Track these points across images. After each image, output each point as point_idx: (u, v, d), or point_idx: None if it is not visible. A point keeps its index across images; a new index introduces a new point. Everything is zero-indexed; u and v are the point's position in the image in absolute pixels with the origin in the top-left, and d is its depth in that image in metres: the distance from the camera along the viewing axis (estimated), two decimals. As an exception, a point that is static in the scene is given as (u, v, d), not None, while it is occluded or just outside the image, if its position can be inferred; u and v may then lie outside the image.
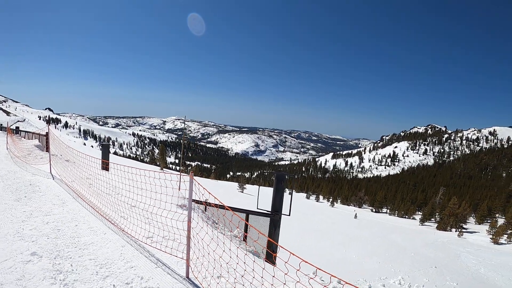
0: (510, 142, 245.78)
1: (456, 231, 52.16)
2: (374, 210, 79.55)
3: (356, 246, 29.52)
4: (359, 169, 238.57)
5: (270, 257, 6.31)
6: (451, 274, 23.07)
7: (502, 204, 77.04)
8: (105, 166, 10.12)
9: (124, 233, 5.82)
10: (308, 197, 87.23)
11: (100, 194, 7.37)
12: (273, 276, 3.85)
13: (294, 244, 25.72)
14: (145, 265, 4.73)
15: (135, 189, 6.04)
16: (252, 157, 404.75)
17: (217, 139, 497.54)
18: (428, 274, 21.68)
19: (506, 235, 46.74)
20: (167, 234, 5.62)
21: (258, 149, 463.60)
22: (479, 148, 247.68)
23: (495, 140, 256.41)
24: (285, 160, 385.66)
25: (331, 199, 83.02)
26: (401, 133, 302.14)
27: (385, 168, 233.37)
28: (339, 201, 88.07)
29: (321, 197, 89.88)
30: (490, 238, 45.99)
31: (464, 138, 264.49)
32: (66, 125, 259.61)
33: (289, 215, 7.40)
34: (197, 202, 7.73)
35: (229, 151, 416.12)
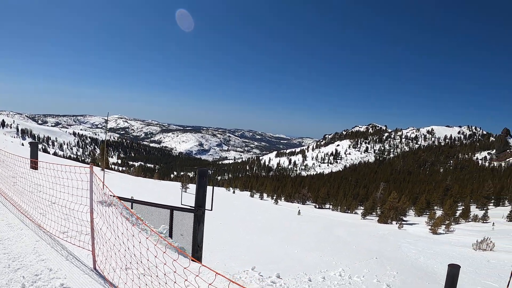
0: (446, 140, 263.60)
1: (396, 224, 54.30)
2: (317, 206, 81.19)
3: (298, 241, 29.44)
4: (303, 167, 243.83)
5: (196, 252, 7.06)
6: (391, 264, 23.41)
7: (440, 197, 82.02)
8: (34, 165, 10.28)
9: (41, 228, 6.11)
10: (252, 195, 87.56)
11: (23, 192, 7.65)
12: (185, 268, 3.59)
13: (236, 241, 25.19)
14: (55, 258, 4.99)
15: (57, 186, 6.26)
16: (196, 156, 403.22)
17: (160, 138, 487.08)
18: (369, 265, 21.78)
19: (444, 226, 49.44)
20: (83, 229, 5.81)
21: (202, 148, 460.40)
22: (418, 146, 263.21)
23: (433, 138, 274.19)
24: (229, 159, 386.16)
25: (275, 197, 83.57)
26: (343, 132, 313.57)
27: (327, 165, 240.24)
28: (283, 198, 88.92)
29: (265, 195, 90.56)
30: (429, 229, 48.26)
31: (403, 137, 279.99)
32: (3, 124, 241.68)
33: (211, 209, 7.66)
34: (122, 199, 7.89)
35: (172, 151, 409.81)
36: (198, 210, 7.98)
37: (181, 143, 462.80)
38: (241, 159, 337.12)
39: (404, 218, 61.44)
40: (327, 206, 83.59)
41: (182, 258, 5.46)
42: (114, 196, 5.96)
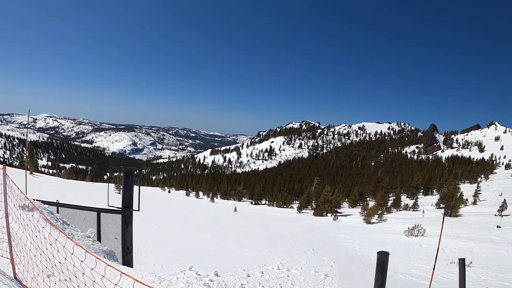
0: (377, 136, 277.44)
1: (331, 216, 55.70)
2: (253, 203, 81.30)
3: (236, 238, 29.09)
4: (238, 164, 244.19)
5: (126, 255, 6.82)
6: (328, 254, 23.69)
7: (372, 189, 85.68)
8: None
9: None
10: (188, 194, 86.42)
11: None
12: (103, 277, 3.31)
13: (173, 241, 24.33)
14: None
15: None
16: (129, 156, 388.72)
17: (92, 138, 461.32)
18: (306, 257, 21.83)
19: (377, 215, 51.45)
20: (3, 236, 5.17)
21: (135, 147, 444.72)
22: (350, 141, 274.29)
23: (364, 134, 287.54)
24: (164, 158, 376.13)
25: (211, 195, 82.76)
26: (278, 128, 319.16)
27: (262, 162, 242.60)
28: (219, 196, 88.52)
29: (201, 193, 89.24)
30: (363, 219, 49.99)
31: (336, 133, 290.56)
32: None
33: (138, 210, 7.38)
34: (46, 202, 7.64)
35: (105, 151, 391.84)
36: (126, 211, 7.72)
37: (114, 143, 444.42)
38: (176, 158, 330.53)
39: (339, 210, 63.24)
40: (263, 202, 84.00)
41: (110, 262, 4.62)
42: (36, 200, 5.50)
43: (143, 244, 18.26)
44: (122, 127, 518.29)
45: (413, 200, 67.45)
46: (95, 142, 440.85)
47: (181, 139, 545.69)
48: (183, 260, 16.97)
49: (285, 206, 75.68)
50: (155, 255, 18.14)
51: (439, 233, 28.07)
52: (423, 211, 56.08)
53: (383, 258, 5.80)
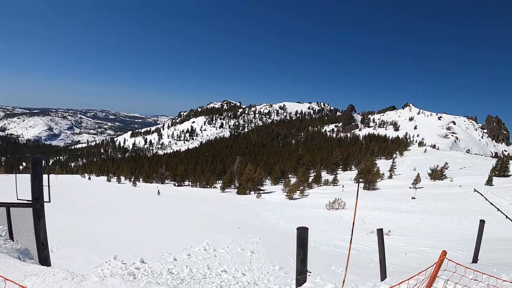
0: (297, 115, 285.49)
1: (255, 193, 56.38)
2: (176, 184, 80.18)
3: (160, 221, 28.28)
4: (159, 146, 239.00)
5: (42, 252, 6.14)
6: (253, 231, 23.84)
7: (293, 166, 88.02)
8: None
9: None
10: (109, 180, 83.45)
11: None
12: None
13: (97, 231, 23.00)
14: None
15: None
16: (46, 142, 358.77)
17: (5, 124, 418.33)
18: (232, 236, 21.76)
19: (299, 191, 53.00)
20: None
21: (52, 133, 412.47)
22: (271, 120, 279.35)
23: (285, 113, 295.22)
24: (82, 143, 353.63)
25: (133, 179, 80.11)
26: (199, 108, 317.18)
27: (184, 143, 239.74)
28: (141, 179, 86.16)
29: (122, 178, 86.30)
30: (285, 195, 51.23)
31: (257, 112, 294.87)
32: None
33: (49, 201, 6.35)
34: None
35: (19, 138, 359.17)
36: (36, 204, 6.67)
37: (28, 129, 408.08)
38: (95, 142, 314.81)
39: (262, 188, 64.21)
40: (186, 183, 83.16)
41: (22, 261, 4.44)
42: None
43: (64, 237, 17.00)
44: (37, 111, 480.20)
45: (333, 176, 70.57)
46: (8, 129, 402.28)
47: (100, 122, 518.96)
48: (108, 250, 16.11)
49: (208, 186, 75.47)
50: (78, 248, 17.01)
51: (358, 205, 29.68)
52: (343, 185, 58.85)
53: (302, 234, 5.99)
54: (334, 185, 63.25)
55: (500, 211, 33.06)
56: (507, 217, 30.62)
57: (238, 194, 59.70)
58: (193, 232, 23.11)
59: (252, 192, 59.32)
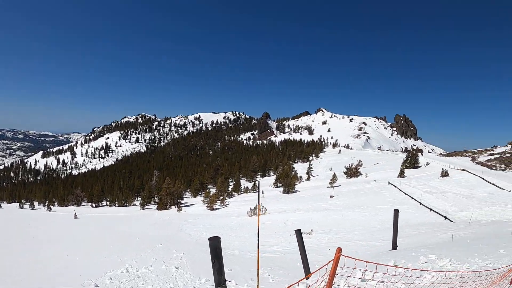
0: (213, 125, 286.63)
1: (175, 207, 54.97)
2: (94, 205, 75.77)
3: (79, 246, 26.35)
4: (73, 165, 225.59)
5: None
6: (177, 246, 23.15)
7: (212, 176, 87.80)
8: None
9: None
10: (21, 206, 75.97)
11: None
12: None
13: (12, 262, 20.86)
14: None
15: None
16: None
17: None
18: (155, 253, 20.88)
19: (219, 201, 52.67)
20: None
21: None
22: (187, 132, 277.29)
23: (200, 124, 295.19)
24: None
25: (47, 203, 74.44)
26: (113, 123, 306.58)
27: (99, 160, 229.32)
28: (56, 203, 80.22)
29: (36, 203, 79.84)
30: (206, 206, 50.59)
31: (172, 125, 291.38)
32: None
33: None
34: None
35: None
36: None
37: None
38: (3, 165, 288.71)
39: (182, 201, 62.83)
40: (104, 203, 79.11)
41: None
42: None
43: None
44: None
45: (253, 183, 71.24)
46: None
47: (8, 142, 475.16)
48: (23, 281, 14.70)
49: (127, 204, 72.47)
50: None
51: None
52: (263, 191, 59.52)
53: (215, 244, 5.98)
54: (254, 192, 63.82)
55: (414, 199, 35.63)
56: (421, 204, 33.00)
57: (159, 209, 57.91)
58: (114, 254, 21.88)
59: (173, 206, 57.85)
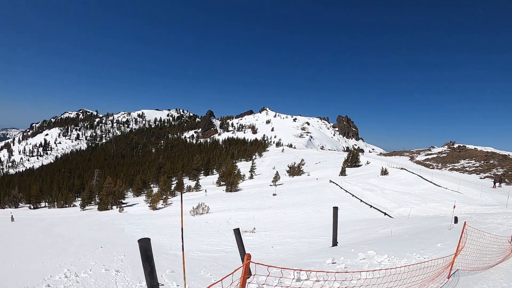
0: (156, 123, 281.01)
1: (117, 208, 53.26)
2: (32, 207, 71.46)
3: (15, 252, 24.75)
4: (10, 164, 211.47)
5: None
6: (118, 248, 22.42)
7: (154, 175, 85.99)
8: None
9: None
10: None
11: None
12: None
13: None
14: None
15: None
16: None
17: None
18: (95, 257, 20.10)
19: (162, 200, 51.62)
20: None
21: None
22: (130, 129, 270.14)
23: (144, 122, 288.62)
24: None
25: (-20, 206, 69.48)
26: (52, 119, 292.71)
27: (37, 158, 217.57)
28: (-8, 206, 74.86)
29: (-31, 208, 73.99)
30: (149, 206, 49.38)
31: (115, 121, 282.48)
32: None
33: None
34: None
35: None
36: None
37: None
38: None
39: (124, 201, 60.95)
40: (43, 204, 74.92)
41: None
42: None
43: None
44: None
45: (195, 181, 70.55)
46: None
47: None
48: None
49: (67, 205, 69.16)
50: None
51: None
52: (206, 190, 59.14)
53: (145, 246, 5.76)
54: (197, 191, 63.24)
55: (355, 196, 36.62)
56: (361, 201, 34.05)
57: (100, 210, 55.72)
58: (52, 259, 20.84)
59: (114, 207, 55.93)
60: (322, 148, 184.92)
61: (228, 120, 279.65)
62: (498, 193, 33.06)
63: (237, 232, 8.99)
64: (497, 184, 39.42)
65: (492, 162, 53.97)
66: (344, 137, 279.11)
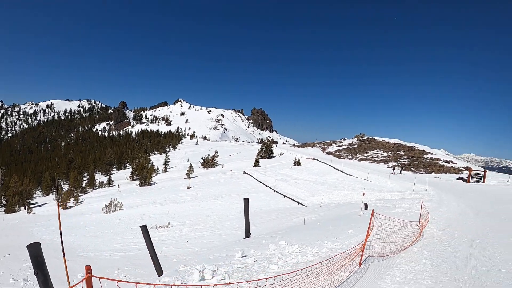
0: (66, 114, 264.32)
1: (25, 209, 49.36)
2: None
3: None
4: None
5: None
6: (26, 255, 20.43)
7: (64, 171, 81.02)
8: None
9: None
10: None
11: None
12: None
13: None
14: None
15: None
16: None
17: None
18: (2, 265, 18.57)
19: (72, 198, 48.58)
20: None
21: None
22: (38, 121, 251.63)
23: (53, 113, 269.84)
24: None
25: None
26: None
27: None
28: None
29: None
30: (60, 205, 46.45)
31: (21, 113, 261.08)
32: None
33: None
34: None
35: None
36: None
37: None
38: None
39: (32, 201, 56.53)
40: None
41: None
42: None
43: None
44: None
45: (108, 177, 67.73)
46: None
47: None
48: None
49: (-31, 209, 62.83)
50: None
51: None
52: (119, 185, 56.92)
53: (35, 252, 5.31)
54: (109, 186, 60.71)
55: (269, 187, 37.25)
56: (275, 191, 34.71)
57: (6, 213, 50.84)
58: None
59: (22, 208, 51.80)
60: (236, 140, 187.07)
61: (142, 112, 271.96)
62: (404, 180, 35.47)
63: (144, 229, 8.60)
64: (396, 171, 43.45)
65: (398, 152, 58.47)
66: (258, 129, 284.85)
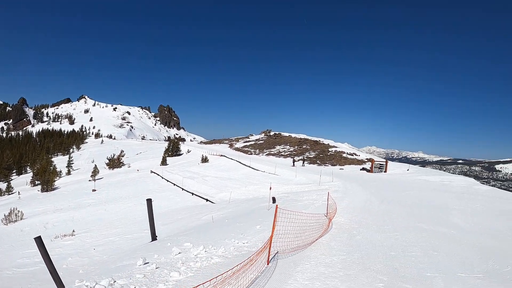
0: None
1: None
2: None
3: None
4: None
5: None
6: None
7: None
8: None
9: None
10: None
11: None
12: None
13: None
14: None
15: None
16: None
17: None
18: None
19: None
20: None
21: None
22: None
23: None
24: None
25: None
26: None
27: None
28: None
29: None
30: None
31: None
32: None
33: None
34: None
35: None
36: None
37: None
38: None
39: None
40: None
41: None
42: None
43: None
44: None
45: (7, 183, 62.31)
46: None
47: None
48: None
49: None
50: None
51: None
52: (19, 192, 52.58)
53: None
54: (9, 194, 55.53)
55: (176, 185, 37.03)
56: (183, 189, 34.64)
57: None
58: None
59: None
60: (143, 138, 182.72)
61: (43, 109, 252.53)
62: (311, 172, 37.11)
63: (38, 241, 7.78)
64: (298, 164, 46.46)
65: (305, 146, 61.23)
66: (166, 127, 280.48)
